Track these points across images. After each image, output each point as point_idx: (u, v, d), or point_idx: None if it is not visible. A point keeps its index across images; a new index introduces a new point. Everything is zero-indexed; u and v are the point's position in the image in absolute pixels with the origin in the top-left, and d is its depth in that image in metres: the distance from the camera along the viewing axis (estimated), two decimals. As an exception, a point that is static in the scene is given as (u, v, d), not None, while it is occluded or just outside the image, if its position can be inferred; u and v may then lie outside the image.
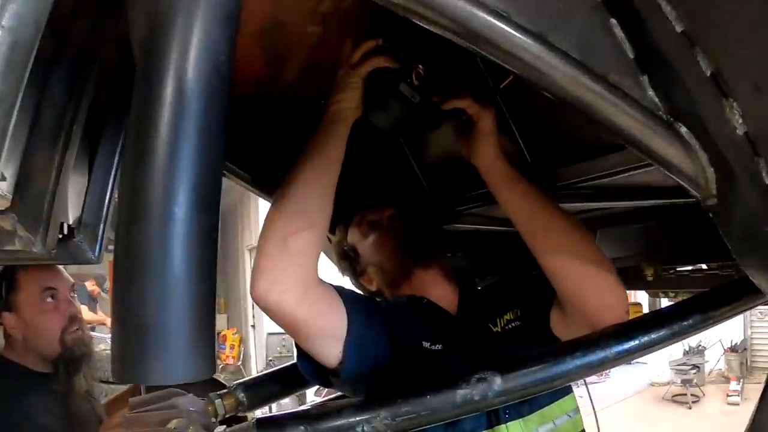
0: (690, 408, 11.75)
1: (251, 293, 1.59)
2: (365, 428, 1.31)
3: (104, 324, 11.22)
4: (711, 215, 1.16)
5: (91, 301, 12.27)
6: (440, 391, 1.35)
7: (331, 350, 1.70)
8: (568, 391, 1.84)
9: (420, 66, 1.57)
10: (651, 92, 1.04)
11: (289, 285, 1.57)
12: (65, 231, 1.53)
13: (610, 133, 1.05)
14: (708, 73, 0.97)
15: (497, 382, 1.34)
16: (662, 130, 1.04)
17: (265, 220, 1.62)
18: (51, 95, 1.24)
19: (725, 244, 1.82)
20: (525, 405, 1.77)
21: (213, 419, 1.74)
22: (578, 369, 1.39)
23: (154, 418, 1.41)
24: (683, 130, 1.05)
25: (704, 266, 2.44)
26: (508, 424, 1.76)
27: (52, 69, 1.24)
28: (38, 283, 2.46)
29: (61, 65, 1.25)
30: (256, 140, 2.22)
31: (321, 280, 1.67)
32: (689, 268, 2.47)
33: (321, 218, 1.62)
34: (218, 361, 15.00)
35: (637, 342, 1.43)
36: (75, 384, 2.52)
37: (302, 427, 1.30)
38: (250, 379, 2.18)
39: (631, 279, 2.66)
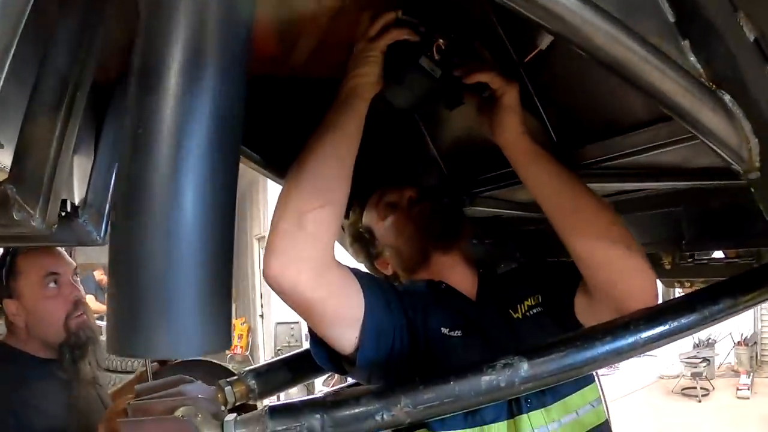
0: (699, 401, 11.70)
1: (264, 274, 1.52)
2: (385, 416, 1.25)
3: (109, 315, 11.17)
4: (752, 190, 1.11)
5: (99, 290, 12.28)
6: (465, 377, 1.29)
7: (346, 335, 1.64)
8: (591, 380, 1.78)
9: (441, 39, 1.51)
10: (692, 58, 0.98)
11: (304, 266, 1.50)
12: (68, 208, 1.48)
13: (652, 98, 0.99)
14: (751, 39, 0.93)
15: (524, 367, 1.28)
16: (705, 96, 0.99)
17: (280, 198, 1.55)
18: (53, 60, 1.19)
19: (751, 229, 1.79)
20: (548, 394, 1.72)
21: (222, 407, 1.68)
22: (607, 354, 1.32)
23: (160, 405, 1.35)
24: (726, 97, 1.00)
25: (722, 255, 2.38)
26: (530, 414, 1.70)
27: (55, 32, 1.18)
28: (40, 268, 2.40)
29: (63, 28, 1.19)
30: (268, 122, 2.17)
31: (337, 261, 1.61)
32: (707, 258, 2.42)
33: (339, 196, 1.55)
34: (226, 352, 15.06)
35: (667, 327, 1.37)
36: (81, 370, 2.47)
37: (318, 415, 1.24)
38: (262, 366, 2.12)
39: (647, 267, 2.62)
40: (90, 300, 11.40)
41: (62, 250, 2.50)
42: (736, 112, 1.00)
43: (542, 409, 1.72)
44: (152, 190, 0.73)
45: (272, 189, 13.30)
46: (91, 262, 13.22)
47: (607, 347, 1.32)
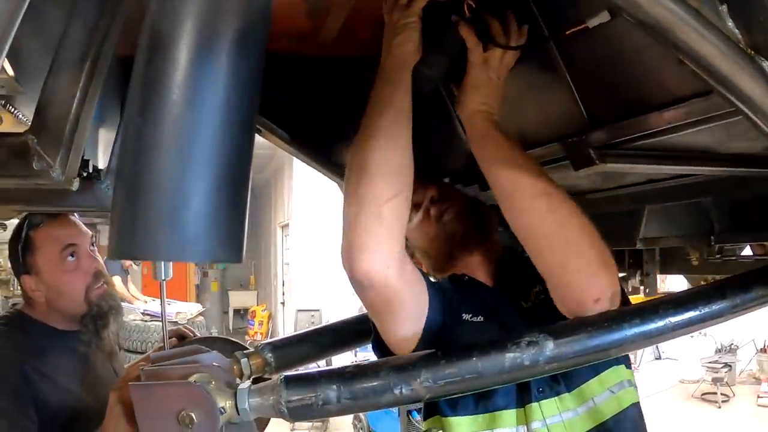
0: (719, 407, 11.57)
1: (352, 271, 1.50)
2: (404, 390, 1.22)
3: (131, 303, 11.29)
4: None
5: (123, 272, 12.35)
6: (488, 354, 1.25)
7: (412, 328, 1.62)
8: (612, 363, 1.67)
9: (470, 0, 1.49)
10: (730, 23, 0.93)
11: (390, 259, 1.50)
12: (90, 169, 1.46)
13: (692, 62, 0.94)
14: (790, 6, 0.88)
15: (549, 346, 1.25)
16: (743, 62, 0.94)
17: (348, 189, 1.54)
18: (81, 14, 1.17)
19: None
20: (562, 382, 1.66)
21: (238, 379, 1.66)
22: (635, 338, 1.29)
23: (174, 372, 1.33)
24: (765, 64, 0.94)
25: (751, 252, 2.34)
26: (541, 402, 1.64)
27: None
28: (57, 241, 2.36)
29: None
30: (295, 100, 2.15)
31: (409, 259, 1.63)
32: (734, 256, 2.37)
33: (408, 179, 1.54)
34: (246, 337, 15.17)
35: (698, 312, 1.33)
36: (102, 342, 2.45)
37: (335, 386, 1.22)
38: (279, 340, 2.09)
39: (674, 262, 2.58)
40: (116, 282, 11.53)
41: (78, 219, 2.47)
42: None
43: (556, 398, 1.66)
44: (168, 88, 0.71)
45: (297, 177, 13.34)
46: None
47: (635, 330, 1.29)
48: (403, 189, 1.52)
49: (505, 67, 1.56)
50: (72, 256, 2.38)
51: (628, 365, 1.73)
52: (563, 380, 1.67)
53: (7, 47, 0.69)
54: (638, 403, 1.70)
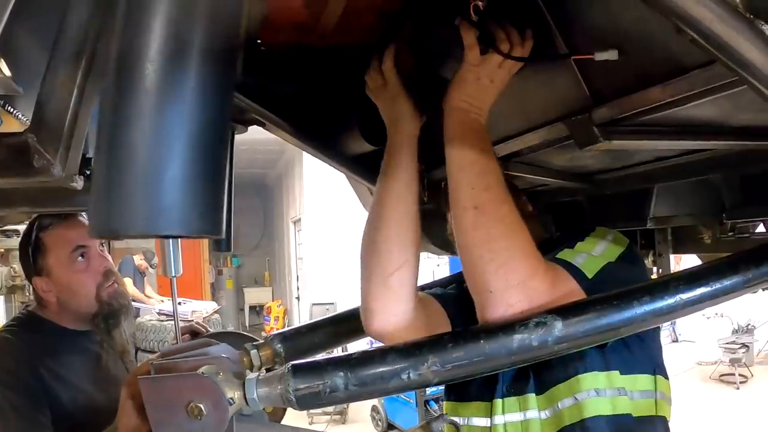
0: (738, 388, 11.51)
1: (367, 330, 1.81)
2: (411, 375, 1.21)
3: (144, 302, 11.37)
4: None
5: (137, 274, 12.45)
6: (496, 336, 1.24)
7: None
8: (589, 368, 1.65)
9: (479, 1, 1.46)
10: (727, -14, 0.91)
11: (396, 319, 1.73)
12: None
13: (689, 28, 0.92)
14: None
15: (558, 326, 1.23)
16: (741, 26, 0.91)
17: (362, 258, 1.78)
18: (75, 10, 1.16)
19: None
20: (529, 382, 1.70)
21: (248, 371, 1.66)
22: (645, 315, 1.27)
23: (183, 364, 1.33)
24: (765, 28, 0.92)
25: (765, 229, 2.31)
26: (504, 399, 1.73)
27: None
28: (67, 243, 2.39)
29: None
30: (299, 91, 2.14)
31: (421, 298, 1.83)
32: (747, 234, 2.35)
33: (414, 250, 1.75)
34: (262, 333, 15.23)
35: (709, 288, 1.31)
36: (114, 339, 2.47)
37: (342, 373, 1.21)
38: (288, 330, 2.09)
39: (686, 241, 2.55)
40: (128, 283, 11.58)
41: (86, 220, 2.48)
42: None
43: (519, 397, 1.71)
44: (145, 62, 0.71)
45: (307, 172, 13.36)
46: (130, 247, 13.43)
47: (646, 308, 1.26)
48: (409, 259, 1.73)
49: (504, 73, 1.53)
50: (82, 257, 2.39)
51: (625, 371, 1.67)
52: (534, 381, 1.69)
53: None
54: (613, 416, 1.64)
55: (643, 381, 1.69)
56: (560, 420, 1.66)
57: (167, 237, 0.99)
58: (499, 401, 1.73)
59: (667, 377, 1.76)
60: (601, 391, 1.63)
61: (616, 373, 1.65)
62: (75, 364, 2.38)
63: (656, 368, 1.72)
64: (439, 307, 1.87)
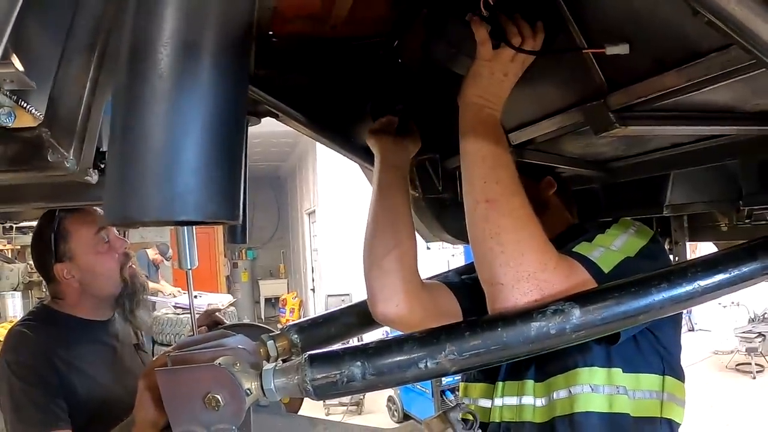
0: (754, 378, 11.45)
1: (374, 316, 1.94)
2: (428, 364, 1.21)
3: (160, 291, 11.44)
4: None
5: (152, 268, 12.50)
6: (513, 324, 1.23)
7: None
8: (588, 363, 1.64)
9: None
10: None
11: (397, 298, 1.87)
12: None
13: (705, 10, 0.91)
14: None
15: (576, 314, 1.22)
16: (761, 8, 0.90)
17: (363, 254, 1.95)
18: (87, 3, 1.16)
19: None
20: (530, 370, 1.72)
21: (264, 362, 1.66)
22: (663, 303, 1.26)
23: (199, 356, 1.33)
24: (784, 9, 0.91)
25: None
26: (505, 382, 1.77)
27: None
28: (90, 226, 2.44)
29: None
30: (311, 82, 2.14)
31: (427, 283, 1.98)
32: (764, 221, 2.33)
33: (405, 234, 1.92)
34: (278, 325, 15.29)
35: (728, 275, 1.30)
36: (137, 320, 2.50)
37: (359, 363, 1.21)
38: (305, 321, 2.09)
39: (702, 229, 2.54)
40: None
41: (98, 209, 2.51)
42: None
43: (518, 382, 1.74)
44: (155, 45, 0.70)
45: (321, 163, 13.37)
46: (145, 241, 13.49)
47: (664, 295, 1.25)
48: (400, 243, 1.90)
49: (517, 67, 1.53)
50: (105, 238, 2.43)
51: (628, 369, 1.65)
52: (535, 368, 1.71)
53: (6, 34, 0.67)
54: (608, 414, 1.63)
55: (647, 381, 1.67)
56: (553, 410, 1.67)
57: (183, 224, 0.99)
58: (500, 384, 1.77)
59: (680, 379, 1.73)
60: (596, 388, 1.63)
61: (618, 370, 1.64)
62: (91, 356, 2.40)
63: (666, 369, 1.69)
64: (449, 293, 1.97)
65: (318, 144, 2.56)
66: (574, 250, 1.54)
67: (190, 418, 1.27)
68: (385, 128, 2.01)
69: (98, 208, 2.46)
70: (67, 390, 2.24)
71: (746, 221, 2.31)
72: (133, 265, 2.56)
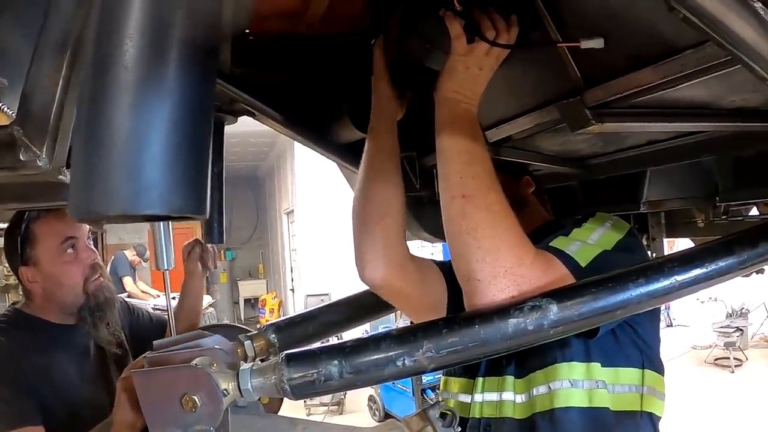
0: (733, 372, 11.54)
1: (361, 278, 1.91)
2: (406, 362, 1.20)
3: (142, 299, 11.37)
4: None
5: (132, 270, 12.43)
6: (491, 321, 1.23)
7: (432, 315, 1.69)
8: (563, 358, 1.65)
9: None
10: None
11: (384, 261, 1.85)
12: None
13: (678, 3, 0.91)
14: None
15: (553, 310, 1.22)
16: (735, 4, 0.90)
17: (352, 211, 1.92)
18: (60, 1, 1.15)
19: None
20: (511, 365, 1.72)
21: (242, 362, 1.65)
22: (641, 298, 1.26)
23: (176, 357, 1.32)
24: (757, 5, 0.91)
25: (757, 213, 2.32)
26: (485, 378, 1.77)
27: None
28: (57, 234, 2.38)
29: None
30: (288, 80, 2.13)
31: (417, 256, 1.96)
32: (741, 217, 2.35)
33: (396, 203, 1.87)
34: (258, 326, 15.23)
35: (705, 269, 1.30)
36: (100, 332, 2.46)
37: (336, 362, 1.20)
38: (283, 320, 2.08)
39: (680, 225, 2.55)
40: (128, 282, 11.58)
41: None
42: None
43: (498, 378, 1.74)
44: (124, 39, 0.70)
45: (299, 163, 13.35)
46: (123, 242, 13.38)
47: (641, 290, 1.25)
48: (390, 211, 1.86)
49: (492, 60, 1.53)
50: (72, 248, 2.39)
51: (607, 364, 1.66)
52: (515, 364, 1.71)
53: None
54: (588, 409, 1.63)
55: (626, 374, 1.68)
56: (533, 406, 1.67)
57: (150, 219, 0.97)
58: (480, 380, 1.77)
59: (660, 372, 1.74)
60: (576, 383, 1.63)
61: (597, 365, 1.64)
62: (62, 360, 2.37)
63: (646, 362, 1.70)
64: (438, 272, 1.97)
65: (296, 143, 2.55)
66: (551, 244, 1.54)
67: (167, 419, 1.26)
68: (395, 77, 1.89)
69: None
70: (38, 394, 2.21)
71: (723, 217, 2.34)
72: (102, 277, 2.50)
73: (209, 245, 2.87)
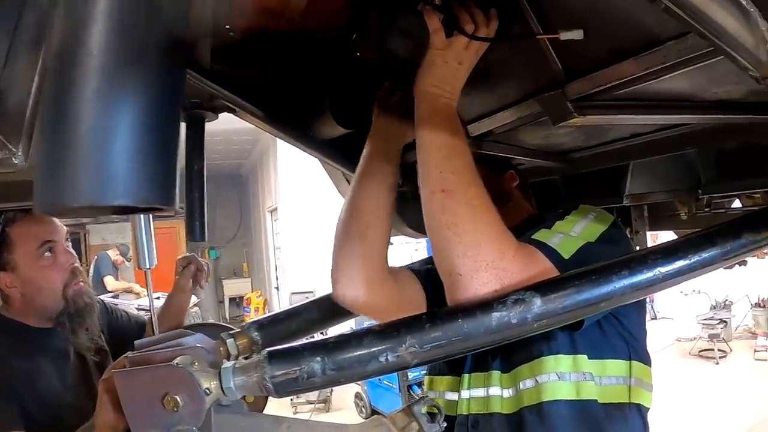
0: (717, 363, 11.64)
1: (335, 299, 1.91)
2: (389, 357, 1.19)
3: (129, 291, 11.34)
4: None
5: (114, 270, 12.40)
6: (473, 315, 1.22)
7: None
8: (549, 351, 1.65)
9: None
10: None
11: (356, 282, 1.85)
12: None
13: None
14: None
15: (537, 303, 1.21)
16: (715, -9, 0.90)
17: (337, 223, 1.90)
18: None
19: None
20: (496, 360, 1.72)
21: (225, 360, 1.63)
22: (624, 290, 1.25)
23: (158, 356, 1.30)
24: (738, -7, 0.90)
25: (740, 204, 2.32)
26: (471, 374, 1.76)
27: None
28: (34, 238, 2.35)
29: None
30: (269, 76, 2.11)
31: (395, 270, 1.96)
32: (723, 209, 2.36)
33: (381, 223, 1.86)
34: (243, 324, 15.21)
35: (687, 261, 1.30)
36: (80, 338, 2.43)
37: (318, 358, 1.18)
38: (265, 318, 2.06)
39: (663, 218, 2.56)
40: (109, 280, 11.53)
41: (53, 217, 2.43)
42: (751, 10, 0.91)
43: (485, 373, 1.73)
44: (92, 27, 0.68)
45: (282, 161, 13.32)
46: (106, 243, 13.30)
47: (625, 282, 1.25)
48: (375, 232, 1.84)
49: (471, 54, 1.52)
50: (50, 252, 2.35)
51: (594, 356, 1.66)
52: (501, 359, 1.71)
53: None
54: (576, 401, 1.63)
55: (613, 366, 1.68)
56: (520, 400, 1.67)
57: (118, 212, 0.96)
58: (466, 376, 1.76)
59: (647, 363, 1.74)
60: (563, 375, 1.63)
61: (584, 357, 1.64)
62: (43, 364, 2.34)
63: (632, 354, 1.70)
64: (415, 280, 1.97)
65: (279, 141, 2.52)
66: (533, 237, 1.53)
67: (149, 420, 1.24)
68: (393, 105, 1.87)
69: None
70: (19, 399, 2.19)
71: (705, 210, 2.35)
72: (82, 282, 2.47)
73: (204, 262, 2.85)
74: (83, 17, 0.71)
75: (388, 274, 1.90)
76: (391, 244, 1.96)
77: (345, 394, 9.98)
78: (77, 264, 2.47)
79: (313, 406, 9.80)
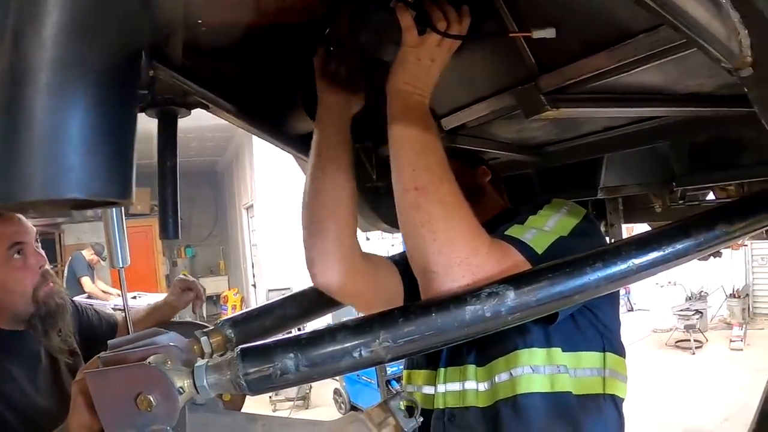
0: (693, 354, 11.76)
1: (316, 286, 1.93)
2: (363, 353, 1.18)
3: (103, 299, 11.21)
4: (746, 90, 1.02)
5: (90, 270, 12.26)
6: (447, 308, 1.22)
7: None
8: (524, 345, 1.65)
9: None
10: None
11: (338, 263, 1.86)
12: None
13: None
14: None
15: (510, 296, 1.21)
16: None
17: (301, 213, 1.91)
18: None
19: (740, 161, 1.73)
20: (471, 355, 1.73)
21: (199, 358, 1.62)
22: (599, 282, 1.25)
23: (131, 356, 1.29)
24: (712, -14, 0.90)
25: (714, 197, 2.34)
26: (447, 368, 1.77)
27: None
28: (2, 239, 2.29)
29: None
30: (241, 71, 2.10)
31: (369, 255, 1.97)
32: (697, 201, 2.37)
33: (346, 196, 1.87)
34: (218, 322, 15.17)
35: (661, 253, 1.30)
36: (52, 340, 2.39)
37: (291, 354, 1.17)
38: (239, 315, 2.06)
39: (637, 211, 2.57)
40: (86, 282, 11.40)
41: (21, 216, 2.38)
42: (723, 1, 0.90)
43: (460, 367, 1.74)
44: (44, 20, 0.67)
45: (258, 157, 13.27)
46: (81, 242, 13.16)
47: (599, 274, 1.25)
48: (340, 207, 1.86)
49: (444, 52, 1.51)
50: (19, 254, 2.31)
51: (568, 348, 1.66)
52: (476, 353, 1.71)
53: None
54: (550, 394, 1.64)
55: (588, 358, 1.68)
56: (495, 394, 1.67)
57: (75, 207, 0.95)
58: (442, 370, 1.77)
59: (621, 354, 1.75)
60: (537, 368, 1.64)
61: (558, 350, 1.65)
62: (13, 367, 2.30)
63: (607, 345, 1.71)
64: (394, 269, 1.99)
65: (254, 137, 2.51)
66: (506, 233, 1.53)
67: (122, 420, 1.23)
68: (336, 76, 1.88)
69: (19, 215, 2.35)
70: None
71: (679, 202, 2.36)
72: (52, 283, 2.43)
73: (201, 287, 2.82)
74: (36, 9, 0.69)
75: (362, 257, 1.92)
76: (368, 239, 1.97)
77: (324, 391, 9.97)
78: (47, 266, 2.42)
79: (292, 403, 9.78)
